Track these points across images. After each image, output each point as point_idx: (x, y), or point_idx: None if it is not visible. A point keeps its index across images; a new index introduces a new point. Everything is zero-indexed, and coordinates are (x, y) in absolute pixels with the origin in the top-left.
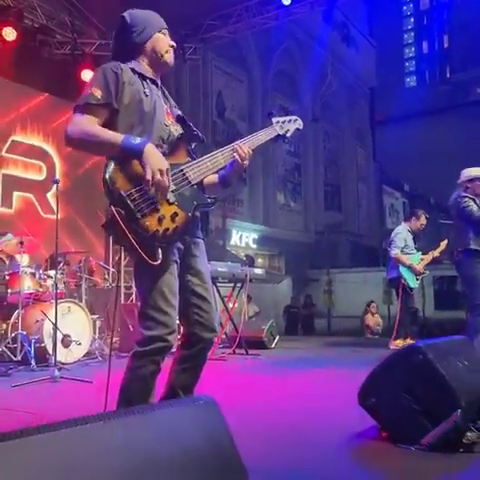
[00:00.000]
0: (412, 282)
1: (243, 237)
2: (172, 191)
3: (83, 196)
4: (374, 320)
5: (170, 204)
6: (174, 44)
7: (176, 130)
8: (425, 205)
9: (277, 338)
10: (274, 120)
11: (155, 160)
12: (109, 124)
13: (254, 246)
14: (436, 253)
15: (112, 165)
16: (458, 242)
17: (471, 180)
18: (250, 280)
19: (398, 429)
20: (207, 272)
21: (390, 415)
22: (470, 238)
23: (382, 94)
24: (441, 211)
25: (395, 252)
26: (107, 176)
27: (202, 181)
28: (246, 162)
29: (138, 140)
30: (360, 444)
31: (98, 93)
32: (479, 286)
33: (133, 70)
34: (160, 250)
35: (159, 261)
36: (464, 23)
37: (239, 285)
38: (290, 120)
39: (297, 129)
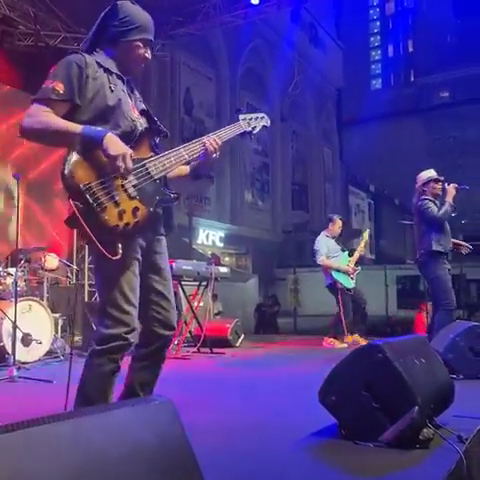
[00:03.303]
0: (347, 283)
1: (210, 235)
2: (134, 186)
3: (46, 192)
4: None
5: (131, 199)
6: (149, 57)
7: (141, 124)
8: (390, 206)
9: (242, 337)
10: (241, 117)
11: (117, 145)
12: (69, 119)
13: (221, 245)
14: (360, 249)
15: (72, 157)
16: (421, 244)
17: (426, 183)
18: (215, 279)
19: (357, 426)
20: (167, 269)
21: (349, 412)
22: (432, 240)
23: (349, 95)
24: (405, 211)
25: (321, 259)
26: (66, 168)
27: (165, 176)
28: (216, 154)
29: (99, 128)
30: (319, 441)
31: (60, 87)
32: (442, 286)
33: (98, 63)
34: (120, 245)
35: (119, 256)
36: (428, 28)
37: (204, 284)
38: (257, 117)
39: (264, 126)
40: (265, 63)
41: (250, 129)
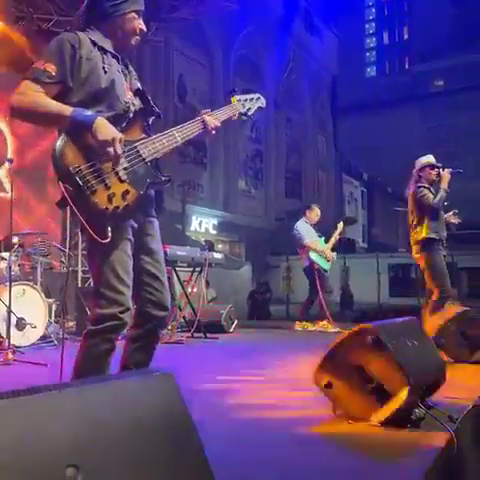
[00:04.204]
0: (325, 265)
1: (203, 223)
2: (124, 168)
3: (38, 176)
4: None
5: (121, 182)
6: (144, 28)
7: (135, 105)
8: (383, 194)
9: (235, 322)
10: (236, 98)
11: (107, 130)
12: (60, 100)
13: (214, 232)
14: (335, 237)
15: (63, 139)
16: (416, 233)
17: (422, 169)
18: (209, 264)
19: (351, 407)
20: (160, 251)
21: (344, 394)
22: (427, 227)
23: (343, 83)
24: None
25: (306, 241)
26: (56, 150)
27: (157, 159)
28: (214, 132)
29: (89, 113)
30: (314, 421)
31: (52, 69)
32: (438, 272)
33: (93, 42)
34: (109, 228)
35: (109, 239)
36: (423, 15)
37: (198, 269)
38: (252, 98)
39: (259, 108)
40: (259, 50)
41: (245, 111)
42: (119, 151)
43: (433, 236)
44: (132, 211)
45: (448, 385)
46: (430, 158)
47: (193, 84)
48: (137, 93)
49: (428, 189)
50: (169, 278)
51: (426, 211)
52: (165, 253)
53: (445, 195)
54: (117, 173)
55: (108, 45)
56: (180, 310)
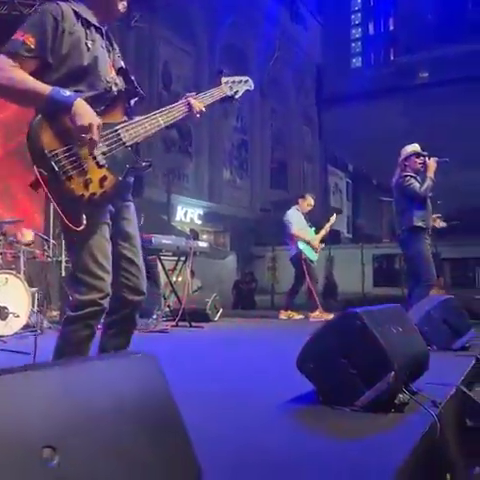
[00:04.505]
0: (312, 255)
1: (188, 213)
2: (103, 153)
3: (22, 164)
4: None
5: (100, 167)
6: None
7: (117, 85)
8: (368, 185)
9: (220, 311)
10: (224, 80)
11: (86, 115)
12: (38, 76)
13: (199, 222)
14: (326, 229)
15: (39, 119)
16: (402, 221)
17: (407, 158)
18: (194, 253)
19: (334, 392)
20: (136, 236)
21: (327, 379)
22: (414, 215)
23: (329, 73)
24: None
25: (294, 230)
26: (32, 131)
27: (138, 143)
28: (198, 115)
29: (68, 93)
30: (298, 407)
31: (31, 42)
32: (423, 261)
33: (77, 14)
34: (85, 215)
35: (83, 227)
36: (409, 7)
37: (183, 259)
38: (240, 81)
39: (247, 90)
40: (245, 39)
41: (232, 93)
42: (96, 138)
43: (420, 224)
44: (109, 198)
45: (431, 371)
46: (416, 147)
47: (178, 72)
48: (120, 72)
49: (414, 178)
50: (154, 267)
51: (412, 200)
52: (150, 242)
53: (431, 184)
54: (95, 158)
55: (92, 17)
56: (165, 299)
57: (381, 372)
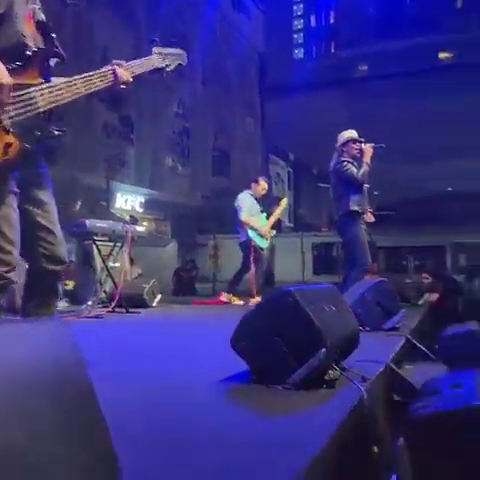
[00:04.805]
0: (262, 243)
1: (129, 200)
2: (10, 117)
3: None
4: None
5: (6, 132)
6: None
7: (35, 41)
8: (308, 175)
9: (159, 296)
10: (155, 50)
11: None
12: None
13: (141, 210)
14: (277, 214)
15: None
16: (339, 206)
17: (345, 143)
18: (132, 238)
19: (268, 370)
20: (50, 202)
21: (261, 357)
22: (350, 200)
23: (271, 64)
24: (323, 181)
25: (244, 215)
26: None
27: (52, 109)
28: (123, 86)
29: None
30: (231, 386)
31: None
32: (359, 246)
33: None
34: None
35: None
36: (350, 0)
37: (120, 244)
38: (174, 54)
39: (179, 64)
40: (186, 26)
41: (163, 66)
42: (6, 100)
43: (356, 209)
44: (14, 164)
45: (363, 350)
46: (353, 132)
47: (118, 57)
48: (39, 26)
49: (351, 163)
50: (89, 251)
51: (349, 185)
52: (84, 225)
53: (368, 169)
54: (1, 122)
55: None
56: (101, 285)
57: (313, 349)
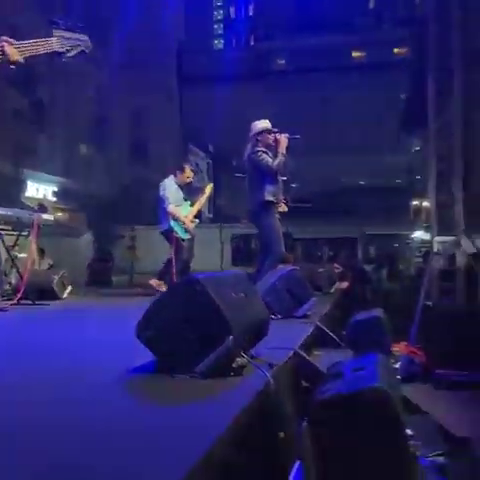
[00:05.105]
0: (183, 234)
1: (40, 189)
2: None
3: None
4: None
5: None
6: None
7: None
8: (227, 166)
9: (69, 288)
10: (56, 33)
11: None
12: None
13: (53, 199)
14: (200, 202)
15: None
16: (254, 197)
17: (260, 133)
18: (38, 226)
19: (174, 359)
20: None
21: (167, 346)
22: (265, 190)
23: (191, 53)
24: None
25: (170, 208)
26: None
27: None
28: (12, 66)
29: None
30: (136, 377)
31: None
32: (274, 235)
33: None
34: None
35: None
36: None
37: (25, 233)
38: (76, 39)
39: (82, 52)
40: (105, 11)
41: (63, 50)
42: None
43: (271, 199)
44: None
45: (273, 337)
46: (267, 122)
47: (28, 35)
48: None
49: (266, 153)
50: None
51: (264, 175)
52: None
53: (283, 159)
54: None
55: None
56: (6, 276)
57: (220, 337)
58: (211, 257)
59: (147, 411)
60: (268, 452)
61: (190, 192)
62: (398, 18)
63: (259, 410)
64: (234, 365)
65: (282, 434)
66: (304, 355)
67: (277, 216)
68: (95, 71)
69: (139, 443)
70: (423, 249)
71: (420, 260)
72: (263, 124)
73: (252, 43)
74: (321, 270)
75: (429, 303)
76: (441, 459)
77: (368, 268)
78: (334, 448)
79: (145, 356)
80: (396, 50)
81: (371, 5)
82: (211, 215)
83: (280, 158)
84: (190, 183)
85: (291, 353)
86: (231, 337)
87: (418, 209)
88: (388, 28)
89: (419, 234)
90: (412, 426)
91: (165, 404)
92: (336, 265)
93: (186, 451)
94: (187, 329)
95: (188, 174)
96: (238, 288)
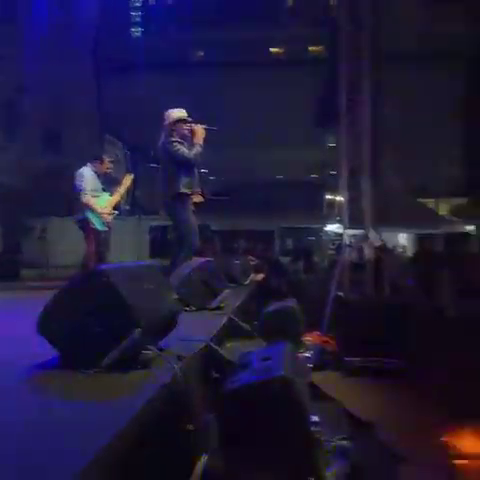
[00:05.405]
0: (100, 225)
1: None
2: None
3: None
4: None
5: None
6: None
7: None
8: (145, 157)
9: None
10: None
11: None
12: None
13: None
14: (120, 193)
15: None
16: (168, 188)
17: (175, 123)
18: None
19: (79, 354)
20: None
21: (71, 341)
22: (180, 182)
23: (108, 41)
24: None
25: (86, 199)
26: None
27: None
28: None
29: None
30: (39, 373)
31: None
32: (189, 227)
33: None
34: None
35: None
36: None
37: None
38: None
39: None
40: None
41: None
42: None
43: (186, 191)
44: None
45: (186, 329)
46: (182, 112)
47: None
48: None
49: (181, 143)
50: None
51: (180, 166)
52: None
53: (200, 150)
54: None
55: None
56: None
57: (126, 329)
58: (128, 249)
59: (45, 409)
60: (176, 445)
61: (109, 182)
62: (313, 17)
63: (166, 403)
64: (141, 358)
65: (191, 426)
66: (215, 347)
67: (192, 208)
68: (6, 55)
69: (36, 442)
70: (336, 242)
71: (334, 252)
72: (178, 113)
73: (171, 33)
74: (236, 262)
75: (340, 294)
76: (345, 443)
77: (285, 260)
78: (240, 436)
79: (48, 352)
80: (312, 48)
81: (290, 2)
82: (128, 206)
83: (197, 148)
84: (109, 173)
85: (202, 345)
86: (138, 329)
87: (332, 203)
88: (305, 26)
89: (333, 227)
90: (320, 412)
91: (65, 401)
92: (251, 257)
93: (83, 449)
94: (91, 322)
95: (107, 165)
96: (148, 279)
